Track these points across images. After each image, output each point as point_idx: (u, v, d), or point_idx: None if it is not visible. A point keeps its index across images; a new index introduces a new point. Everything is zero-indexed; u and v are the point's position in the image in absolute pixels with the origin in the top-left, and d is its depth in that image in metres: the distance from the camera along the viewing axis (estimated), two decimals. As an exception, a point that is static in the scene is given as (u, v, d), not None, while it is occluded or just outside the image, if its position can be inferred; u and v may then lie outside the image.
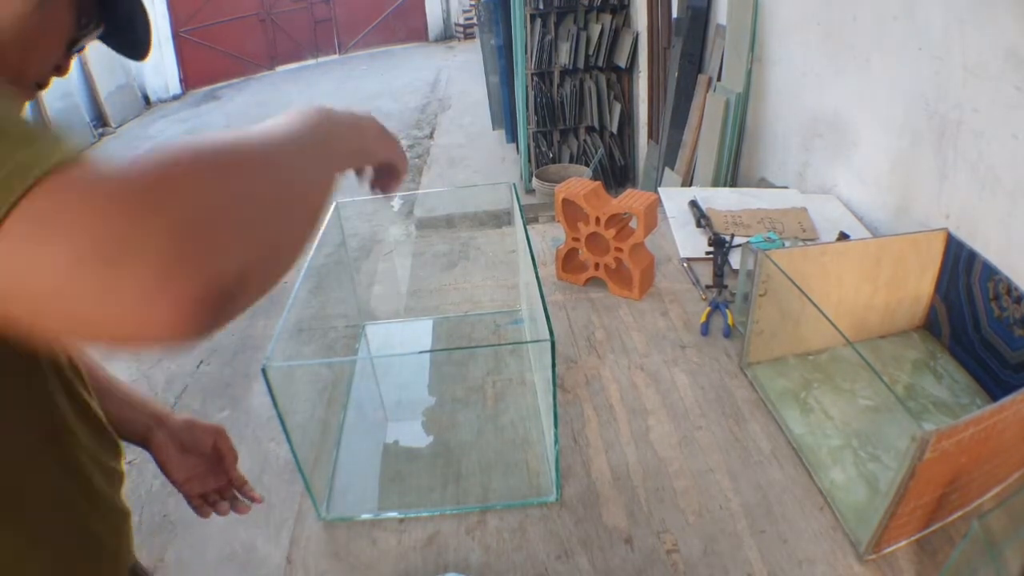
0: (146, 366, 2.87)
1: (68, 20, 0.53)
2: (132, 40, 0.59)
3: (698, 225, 1.39)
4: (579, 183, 1.17)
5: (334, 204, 1.00)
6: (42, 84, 0.54)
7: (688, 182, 2.51)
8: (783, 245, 1.16)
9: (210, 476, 0.82)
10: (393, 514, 0.81)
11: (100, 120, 6.41)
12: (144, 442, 0.77)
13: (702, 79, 2.43)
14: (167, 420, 0.79)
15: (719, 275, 1.19)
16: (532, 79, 3.91)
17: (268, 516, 1.93)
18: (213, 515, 0.84)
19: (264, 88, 7.98)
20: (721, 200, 1.48)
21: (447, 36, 10.19)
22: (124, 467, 0.65)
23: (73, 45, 0.55)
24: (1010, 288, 0.84)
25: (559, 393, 0.98)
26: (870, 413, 0.86)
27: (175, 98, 7.74)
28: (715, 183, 2.19)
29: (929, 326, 1.02)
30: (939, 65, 1.15)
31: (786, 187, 1.74)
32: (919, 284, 0.99)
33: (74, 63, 0.59)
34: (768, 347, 0.97)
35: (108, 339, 0.30)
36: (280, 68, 8.84)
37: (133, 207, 0.29)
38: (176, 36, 7.78)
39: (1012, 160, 1.00)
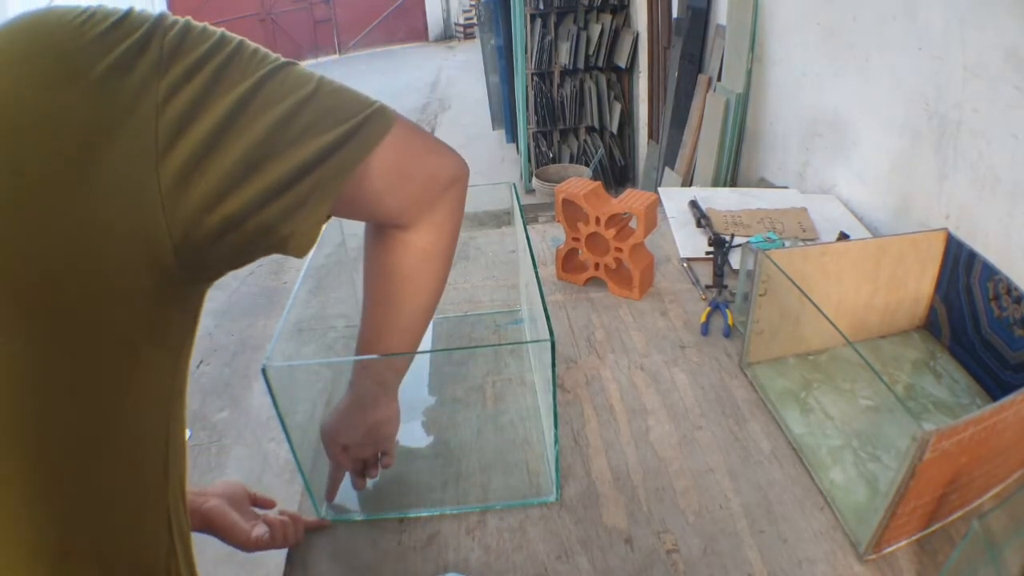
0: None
1: None
2: None
3: (698, 225, 1.39)
4: (579, 183, 1.17)
5: (334, 204, 1.00)
6: None
7: (688, 182, 2.51)
8: (783, 245, 1.16)
9: (259, 522, 0.76)
10: (393, 514, 0.81)
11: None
12: (199, 518, 0.71)
13: (702, 79, 2.43)
14: (206, 489, 0.74)
15: (719, 275, 1.19)
16: (532, 79, 3.91)
17: (268, 516, 1.92)
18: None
19: (264, 88, 7.97)
20: (721, 200, 1.48)
21: (447, 36, 10.19)
22: None
23: None
24: (1010, 288, 0.84)
25: (559, 393, 0.98)
26: (870, 413, 0.86)
27: (175, 98, 7.73)
28: (715, 183, 2.20)
29: (929, 326, 1.02)
30: (939, 65, 1.15)
31: (786, 187, 1.74)
32: (919, 284, 0.99)
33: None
34: (768, 347, 0.97)
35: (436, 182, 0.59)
36: (280, 68, 8.83)
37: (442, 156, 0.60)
38: (176, 36, 7.78)
39: (1012, 160, 1.00)
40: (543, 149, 4.12)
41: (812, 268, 0.91)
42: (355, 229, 1.04)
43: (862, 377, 0.87)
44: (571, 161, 4.09)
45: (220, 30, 0.46)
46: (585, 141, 4.10)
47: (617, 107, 3.82)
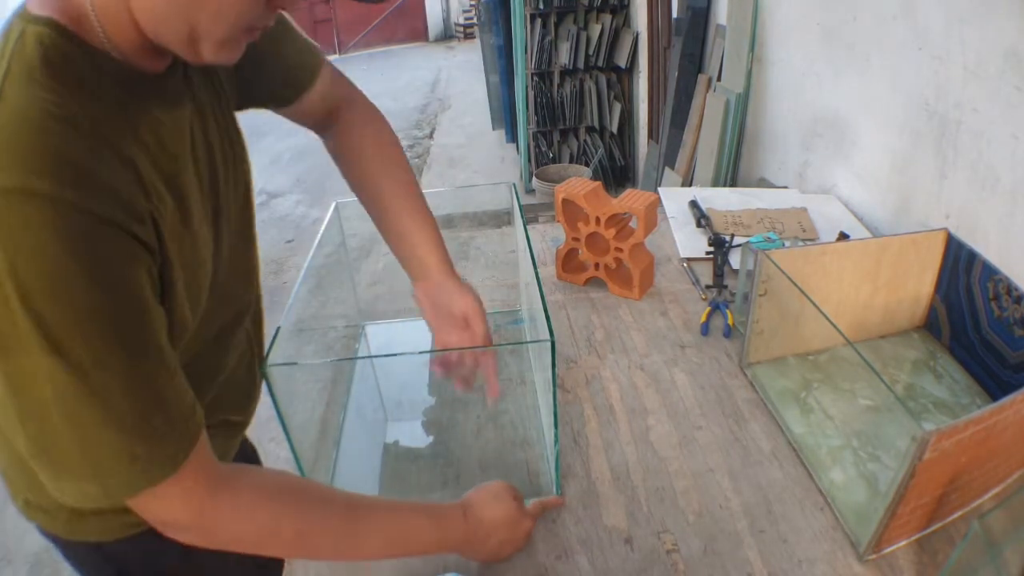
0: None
1: None
2: None
3: (698, 225, 1.39)
4: (579, 183, 1.17)
5: (334, 204, 1.00)
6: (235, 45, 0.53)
7: (688, 182, 2.51)
8: (783, 245, 1.16)
9: (454, 333, 0.84)
10: (393, 514, 0.81)
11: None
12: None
13: (702, 79, 2.43)
14: (430, 275, 0.84)
15: (719, 275, 1.19)
16: (532, 79, 3.92)
17: (268, 516, 1.91)
18: None
19: (264, 88, 7.98)
20: (721, 200, 1.48)
21: (447, 36, 10.20)
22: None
23: None
24: (1010, 288, 0.84)
25: (559, 393, 0.98)
26: (870, 413, 0.86)
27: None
28: (715, 183, 2.20)
29: (929, 326, 1.02)
30: (939, 65, 1.15)
31: (786, 187, 1.74)
32: (919, 284, 0.99)
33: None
34: (768, 347, 0.97)
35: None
36: (280, 68, 8.84)
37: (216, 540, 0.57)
38: (176, 36, 7.77)
39: (1012, 160, 1.00)
40: (543, 149, 4.12)
41: (812, 268, 0.91)
42: (355, 229, 1.04)
43: (862, 377, 0.87)
44: (571, 161, 4.09)
45: None
46: (585, 141, 4.10)
47: (617, 107, 3.82)
